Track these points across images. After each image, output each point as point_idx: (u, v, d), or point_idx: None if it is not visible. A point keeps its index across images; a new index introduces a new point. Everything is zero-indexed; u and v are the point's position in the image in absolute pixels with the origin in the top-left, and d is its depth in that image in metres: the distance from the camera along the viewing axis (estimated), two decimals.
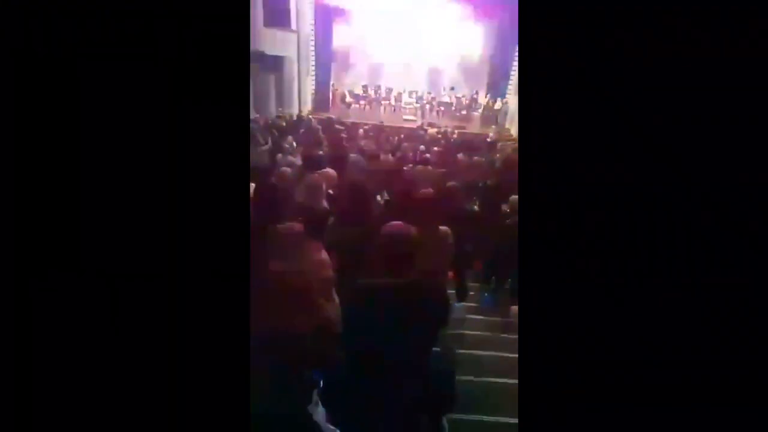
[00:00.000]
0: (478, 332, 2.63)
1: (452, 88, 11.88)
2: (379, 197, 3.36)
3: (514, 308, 2.93)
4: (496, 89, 11.50)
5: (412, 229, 1.29)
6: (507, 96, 11.15)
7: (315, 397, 0.57)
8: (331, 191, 2.76)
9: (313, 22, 10.72)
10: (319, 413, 0.58)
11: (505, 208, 3.56)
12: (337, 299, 0.55)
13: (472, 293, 3.16)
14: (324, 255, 0.54)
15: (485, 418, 1.78)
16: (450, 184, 3.18)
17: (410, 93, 11.77)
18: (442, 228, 2.05)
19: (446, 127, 9.20)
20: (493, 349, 2.38)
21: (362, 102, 11.64)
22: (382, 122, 9.00)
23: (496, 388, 1.93)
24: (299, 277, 0.53)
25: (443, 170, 4.73)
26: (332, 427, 0.60)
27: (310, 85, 11.29)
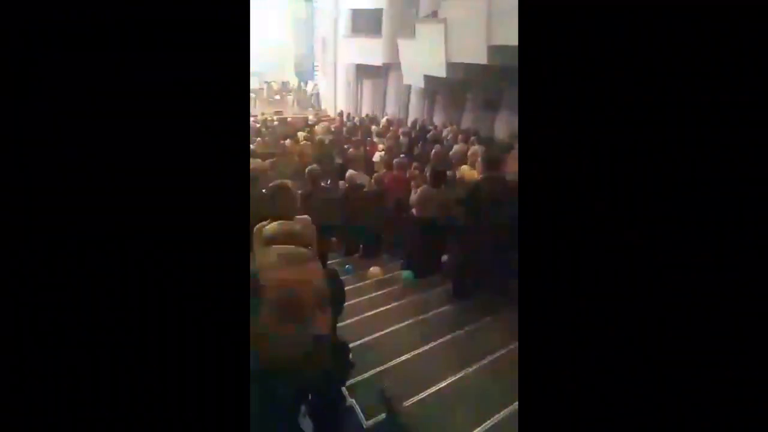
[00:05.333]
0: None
1: (257, 75, 11.33)
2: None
3: (374, 270, 3.19)
4: (303, 73, 11.56)
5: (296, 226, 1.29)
6: (316, 78, 11.38)
7: (303, 409, 0.60)
8: None
9: None
10: (307, 425, 0.59)
11: (342, 183, 3.75)
12: (330, 309, 0.55)
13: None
14: (318, 264, 0.54)
15: None
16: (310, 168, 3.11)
17: None
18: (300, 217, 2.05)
19: (263, 114, 8.83)
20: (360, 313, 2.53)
21: None
22: None
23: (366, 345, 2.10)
24: (295, 286, 0.52)
25: (273, 159, 4.60)
26: None
27: None
